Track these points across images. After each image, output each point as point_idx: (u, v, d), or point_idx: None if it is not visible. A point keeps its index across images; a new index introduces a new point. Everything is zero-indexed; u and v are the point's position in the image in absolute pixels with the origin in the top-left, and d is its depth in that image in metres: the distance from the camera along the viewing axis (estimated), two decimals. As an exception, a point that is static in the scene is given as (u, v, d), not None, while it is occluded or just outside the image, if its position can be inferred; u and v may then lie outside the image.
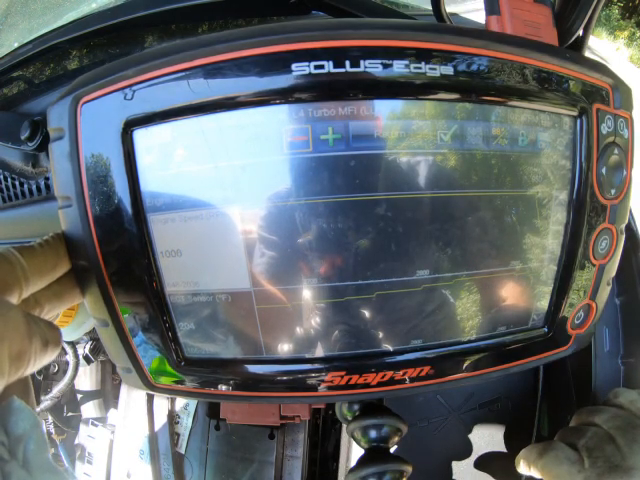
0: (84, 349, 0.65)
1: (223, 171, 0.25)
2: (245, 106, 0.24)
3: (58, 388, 0.62)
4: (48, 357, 0.23)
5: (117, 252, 0.26)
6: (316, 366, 0.28)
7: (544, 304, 0.31)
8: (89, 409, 0.73)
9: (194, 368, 0.29)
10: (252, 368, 0.29)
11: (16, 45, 0.56)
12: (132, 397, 0.60)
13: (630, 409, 0.35)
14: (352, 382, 0.28)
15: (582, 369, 0.47)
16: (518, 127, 0.27)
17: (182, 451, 0.56)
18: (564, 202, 0.29)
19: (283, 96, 0.24)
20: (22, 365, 0.21)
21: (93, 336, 0.64)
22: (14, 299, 0.22)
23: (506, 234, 0.28)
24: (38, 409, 0.64)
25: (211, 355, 0.29)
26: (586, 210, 0.29)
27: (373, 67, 0.24)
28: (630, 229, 0.46)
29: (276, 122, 0.24)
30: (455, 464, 0.52)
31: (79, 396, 0.73)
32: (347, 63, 0.23)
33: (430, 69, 0.24)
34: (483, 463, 0.53)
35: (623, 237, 0.32)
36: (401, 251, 0.27)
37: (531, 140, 0.27)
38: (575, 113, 0.28)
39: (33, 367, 0.22)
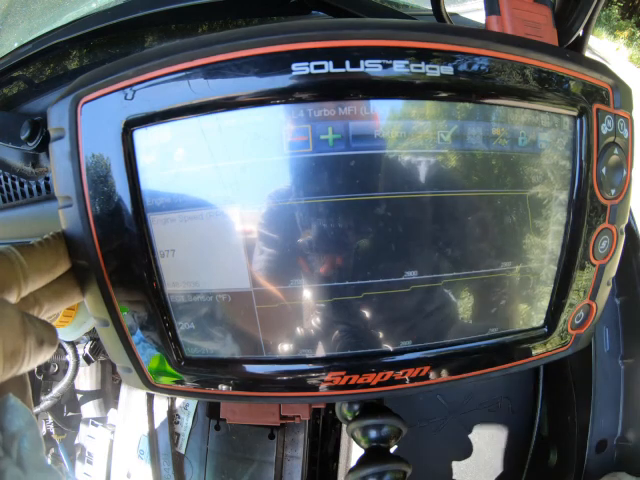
0: (84, 349, 0.65)
1: (223, 171, 0.25)
2: (245, 106, 0.24)
3: (58, 388, 0.62)
4: (43, 356, 0.23)
5: (117, 252, 0.26)
6: (316, 366, 0.28)
7: (544, 304, 0.31)
8: (89, 409, 0.73)
9: (194, 368, 0.29)
10: (252, 368, 0.29)
11: (16, 45, 0.56)
12: (132, 397, 0.60)
13: None
14: (352, 382, 0.28)
15: (582, 369, 0.47)
16: (518, 127, 0.27)
17: (182, 451, 0.56)
18: (564, 202, 0.29)
19: (283, 96, 0.24)
20: (16, 363, 0.21)
21: (93, 336, 0.64)
22: (13, 297, 0.23)
23: (506, 234, 0.28)
24: (38, 409, 0.64)
25: (211, 355, 0.29)
26: (586, 210, 0.29)
27: (373, 67, 0.24)
28: (630, 229, 0.46)
29: (276, 122, 0.24)
30: (455, 464, 0.53)
31: (79, 396, 0.73)
32: (347, 63, 0.23)
33: (430, 69, 0.24)
34: (483, 463, 0.53)
35: (623, 237, 0.32)
36: (402, 251, 0.27)
37: (531, 140, 0.27)
38: (575, 113, 0.28)
39: (28, 365, 0.22)
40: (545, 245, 0.29)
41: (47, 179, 0.41)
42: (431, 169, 0.26)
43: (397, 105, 0.25)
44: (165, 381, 0.30)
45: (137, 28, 0.48)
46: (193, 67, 0.24)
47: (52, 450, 0.75)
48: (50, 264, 0.25)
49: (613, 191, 0.30)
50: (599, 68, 0.29)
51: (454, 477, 0.52)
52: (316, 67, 0.23)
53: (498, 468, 0.53)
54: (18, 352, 0.21)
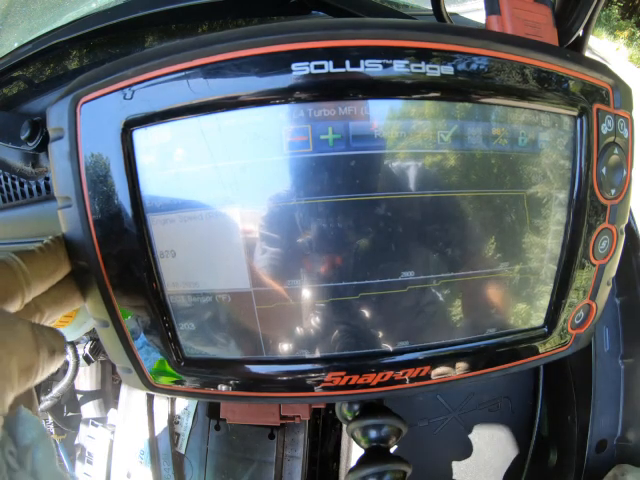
0: (84, 349, 0.65)
1: (223, 171, 0.25)
2: (245, 106, 0.24)
3: (58, 388, 0.62)
4: (55, 366, 0.23)
5: (117, 252, 0.26)
6: (316, 366, 0.28)
7: (544, 304, 0.31)
8: (89, 409, 0.73)
9: (194, 368, 0.29)
10: (252, 368, 0.29)
11: (16, 45, 0.56)
12: (132, 397, 0.60)
13: None
14: (352, 382, 0.28)
15: (582, 369, 0.47)
16: (518, 127, 0.27)
17: (182, 451, 0.56)
18: (564, 202, 0.29)
19: (283, 96, 0.24)
20: (31, 377, 0.21)
21: (93, 336, 0.64)
22: (17, 305, 0.22)
23: (505, 234, 0.28)
24: (38, 409, 0.64)
25: (211, 355, 0.29)
26: (586, 210, 0.29)
27: (373, 67, 0.24)
28: (630, 229, 0.46)
29: (276, 122, 0.24)
30: (455, 464, 0.53)
31: (79, 396, 0.73)
32: (347, 63, 0.23)
33: (430, 69, 0.24)
34: (483, 463, 0.53)
35: (623, 237, 0.32)
36: (399, 251, 0.27)
37: (531, 140, 0.27)
38: (575, 113, 0.28)
39: (41, 377, 0.22)
40: (545, 245, 0.29)
41: (47, 179, 0.41)
42: (431, 169, 0.26)
43: (397, 105, 0.25)
44: (165, 381, 0.30)
45: (137, 28, 0.48)
46: (192, 67, 0.24)
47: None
48: (51, 269, 0.25)
49: (613, 191, 0.30)
50: (599, 68, 0.29)
51: (454, 477, 0.52)
52: (316, 67, 0.23)
53: (498, 468, 0.53)
54: (32, 366, 0.21)
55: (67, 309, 0.27)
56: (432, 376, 0.29)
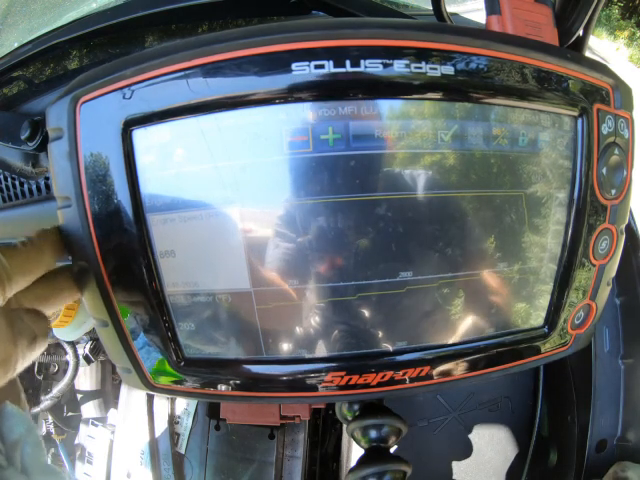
0: (84, 349, 0.65)
1: (223, 171, 0.25)
2: (245, 106, 0.24)
3: (58, 388, 0.62)
4: (37, 352, 0.23)
5: (116, 252, 0.26)
6: (316, 366, 0.28)
7: (544, 304, 0.31)
8: (89, 409, 0.73)
9: (194, 368, 0.29)
10: (252, 368, 0.29)
11: (16, 45, 0.56)
12: (132, 397, 0.60)
13: None
14: (352, 382, 0.28)
15: (582, 369, 0.47)
16: (518, 127, 0.27)
17: (182, 451, 0.56)
18: (564, 202, 0.29)
19: (283, 96, 0.24)
20: (9, 369, 0.21)
21: (93, 336, 0.64)
22: None
23: (505, 234, 0.28)
24: (38, 409, 0.64)
25: (211, 355, 0.29)
26: (586, 210, 0.29)
27: (373, 67, 0.24)
28: (630, 229, 0.46)
29: (276, 122, 0.24)
30: (455, 464, 0.53)
31: (79, 396, 0.73)
32: (347, 63, 0.23)
33: (430, 69, 0.24)
34: (483, 463, 0.53)
35: (623, 237, 0.32)
36: (397, 251, 0.27)
37: (531, 140, 0.27)
38: (575, 113, 0.28)
39: (22, 366, 0.22)
40: (545, 245, 0.29)
41: (47, 179, 0.41)
42: (431, 169, 0.26)
43: (397, 105, 0.25)
44: (165, 381, 0.30)
45: (137, 28, 0.48)
46: (192, 67, 0.24)
47: (52, 450, 0.75)
48: (34, 265, 0.24)
49: (613, 191, 0.30)
50: (599, 68, 0.29)
51: (454, 477, 0.52)
52: (316, 67, 0.23)
53: (498, 468, 0.53)
54: (9, 358, 0.21)
55: (51, 307, 0.27)
56: (432, 376, 0.29)
